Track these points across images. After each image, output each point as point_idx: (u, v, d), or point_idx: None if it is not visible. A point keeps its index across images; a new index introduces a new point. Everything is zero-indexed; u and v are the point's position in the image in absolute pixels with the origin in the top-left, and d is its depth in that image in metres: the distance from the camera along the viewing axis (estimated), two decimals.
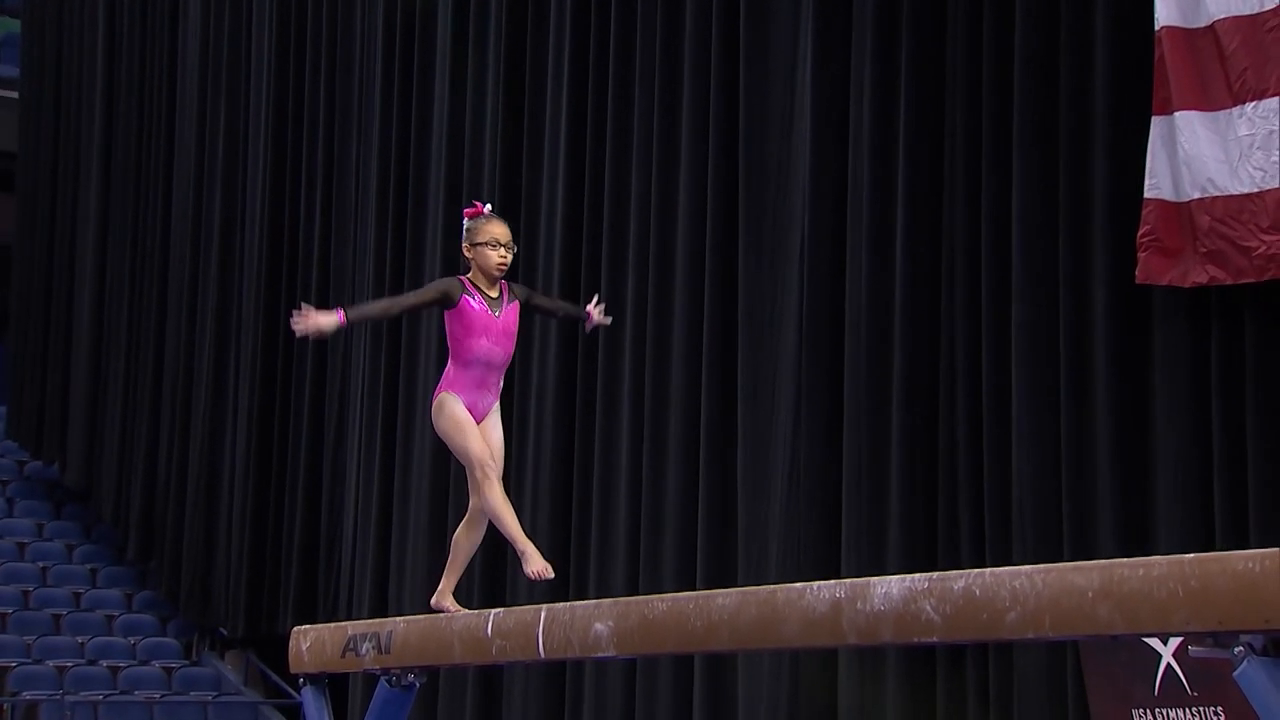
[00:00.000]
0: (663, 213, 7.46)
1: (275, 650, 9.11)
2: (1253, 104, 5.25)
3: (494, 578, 8.00)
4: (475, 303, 4.31)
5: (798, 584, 3.59)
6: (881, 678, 6.18)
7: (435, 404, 4.39)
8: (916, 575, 3.30)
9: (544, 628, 3.99)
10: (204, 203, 11.29)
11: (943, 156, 6.29)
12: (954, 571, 3.30)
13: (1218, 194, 5.32)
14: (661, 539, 7.24)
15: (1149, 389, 5.58)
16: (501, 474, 4.38)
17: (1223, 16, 5.31)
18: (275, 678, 10.48)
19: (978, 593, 3.16)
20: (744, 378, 6.96)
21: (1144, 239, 5.45)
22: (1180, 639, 4.45)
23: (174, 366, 11.49)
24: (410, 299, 4.66)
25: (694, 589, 6.69)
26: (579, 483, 7.73)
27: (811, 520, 6.58)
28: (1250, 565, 2.75)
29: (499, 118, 8.42)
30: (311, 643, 4.68)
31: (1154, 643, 4.99)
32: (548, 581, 4.23)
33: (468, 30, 8.68)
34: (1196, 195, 5.36)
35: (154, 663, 11.26)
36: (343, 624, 4.88)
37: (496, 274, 4.35)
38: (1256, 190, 5.23)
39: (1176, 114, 5.40)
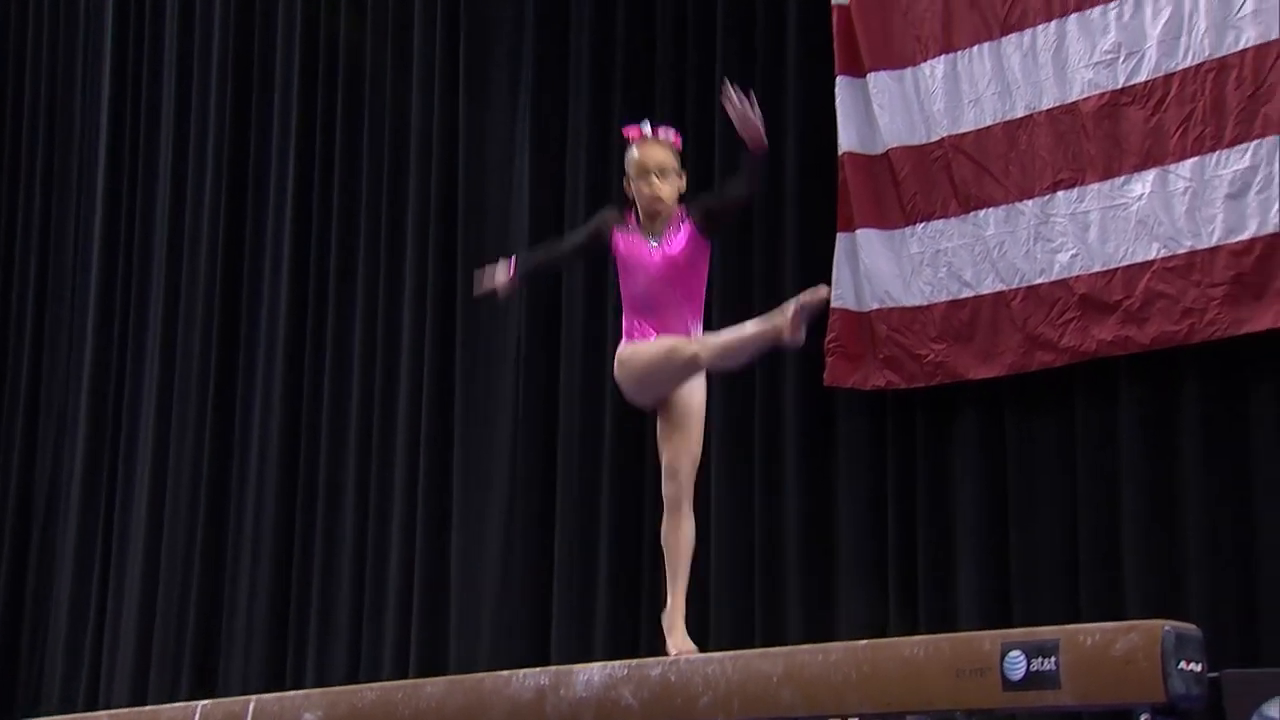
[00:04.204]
0: (389, 297, 7.41)
1: None
2: (922, 224, 5.58)
3: (204, 665, 7.68)
4: (627, 235, 3.63)
5: (504, 671, 3.57)
6: None
7: (615, 360, 3.70)
8: (617, 662, 3.34)
9: (252, 719, 3.86)
10: None
11: None
12: (651, 659, 3.35)
13: (893, 305, 5.61)
14: (381, 626, 7.10)
15: (833, 482, 5.81)
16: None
17: (895, 145, 5.64)
18: None
19: (673, 679, 3.22)
20: (459, 467, 6.94)
21: (831, 345, 5.69)
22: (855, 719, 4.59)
23: None
24: (570, 240, 3.87)
25: (408, 677, 6.57)
26: (299, 570, 7.51)
27: (523, 607, 6.57)
28: (915, 651, 2.89)
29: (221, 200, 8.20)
30: None
31: None
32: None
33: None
34: (876, 306, 5.64)
35: None
36: None
37: (652, 211, 3.60)
38: (926, 303, 5.54)
39: (858, 231, 5.68)
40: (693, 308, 3.68)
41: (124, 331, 8.64)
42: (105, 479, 8.50)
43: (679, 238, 3.64)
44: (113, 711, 4.49)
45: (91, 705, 7.90)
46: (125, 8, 8.86)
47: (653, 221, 3.64)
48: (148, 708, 4.44)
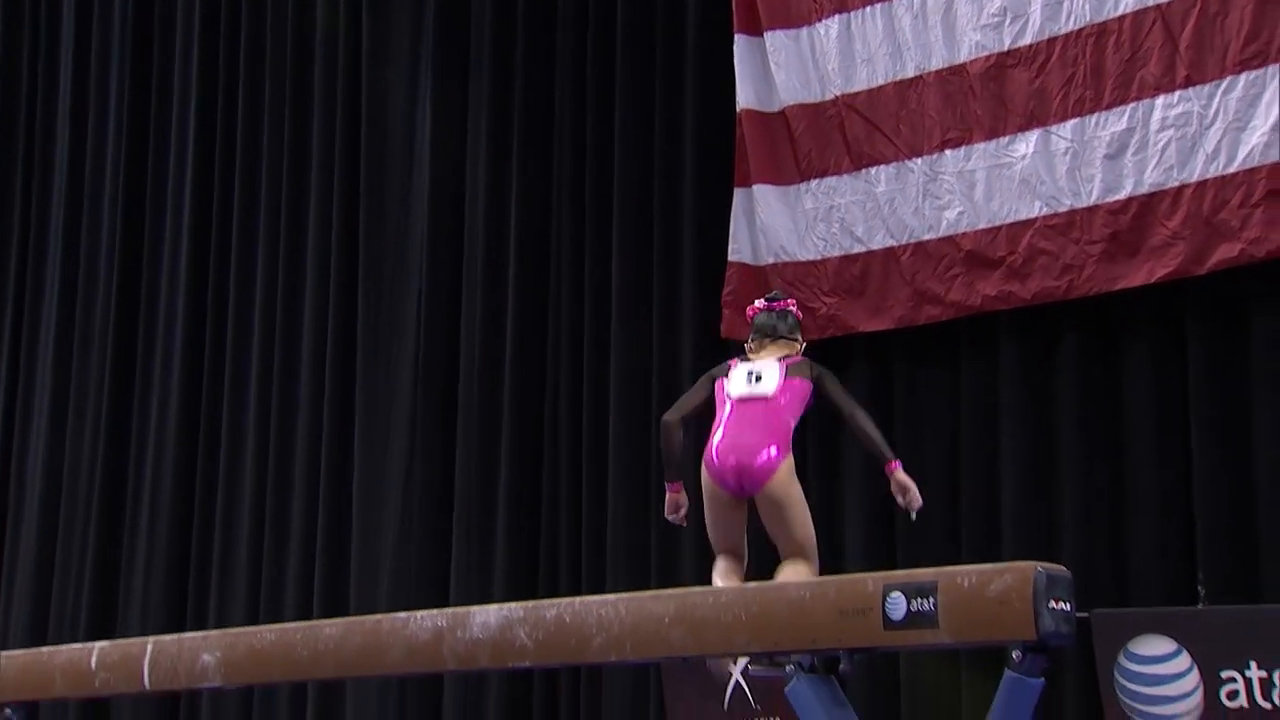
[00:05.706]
0: (290, 256, 7.30)
1: None
2: (816, 180, 5.61)
3: (103, 606, 7.56)
4: None
5: (402, 613, 3.57)
6: (483, 699, 6.20)
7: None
8: (513, 604, 3.35)
9: (150, 660, 3.81)
10: None
11: (550, 224, 6.43)
12: (547, 600, 3.36)
13: (788, 260, 5.64)
14: (283, 570, 7.04)
15: None
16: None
17: (791, 103, 5.65)
18: None
19: (568, 620, 3.23)
20: (361, 410, 6.89)
21: (727, 298, 5.71)
22: (745, 658, 4.66)
23: None
24: None
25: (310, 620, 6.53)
26: (200, 512, 7.41)
27: (422, 552, 6.55)
28: (801, 593, 2.93)
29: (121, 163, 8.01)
30: None
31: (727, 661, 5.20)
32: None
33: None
34: (771, 260, 5.67)
35: None
36: None
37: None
38: (820, 258, 5.58)
39: (754, 187, 5.70)
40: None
41: (21, 277, 8.44)
42: (2, 418, 8.32)
43: None
44: (9, 653, 4.39)
45: None
46: None
47: None
48: (45, 649, 4.35)
